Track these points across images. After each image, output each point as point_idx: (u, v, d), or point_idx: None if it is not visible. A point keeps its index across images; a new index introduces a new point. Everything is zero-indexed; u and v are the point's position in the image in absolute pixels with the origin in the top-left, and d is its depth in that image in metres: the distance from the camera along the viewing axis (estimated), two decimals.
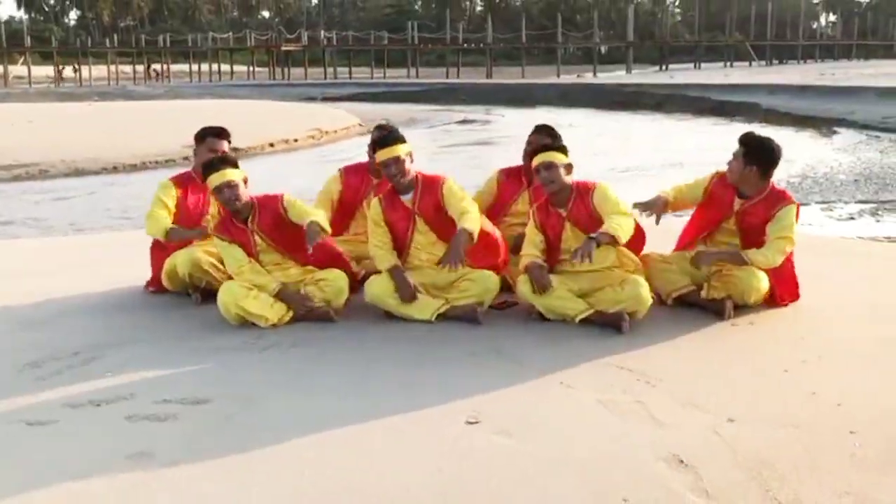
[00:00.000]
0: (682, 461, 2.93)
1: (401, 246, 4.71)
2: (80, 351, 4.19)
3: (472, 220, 4.51)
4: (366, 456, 3.00)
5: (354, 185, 5.32)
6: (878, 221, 10.04)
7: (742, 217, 4.65)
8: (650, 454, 2.98)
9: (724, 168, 4.78)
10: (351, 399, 3.52)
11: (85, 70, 56.83)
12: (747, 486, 2.78)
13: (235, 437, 3.17)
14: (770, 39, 60.85)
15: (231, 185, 4.56)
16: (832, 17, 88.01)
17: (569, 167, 4.56)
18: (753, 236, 4.62)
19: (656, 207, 4.71)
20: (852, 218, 10.20)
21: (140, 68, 60.51)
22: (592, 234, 4.29)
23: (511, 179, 5.27)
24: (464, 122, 27.30)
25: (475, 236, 4.47)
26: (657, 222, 4.76)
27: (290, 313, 4.53)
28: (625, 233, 4.30)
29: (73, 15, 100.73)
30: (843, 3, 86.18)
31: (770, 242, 4.55)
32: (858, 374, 3.76)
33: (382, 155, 4.63)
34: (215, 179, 4.56)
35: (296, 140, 19.58)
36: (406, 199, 4.70)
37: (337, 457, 3.00)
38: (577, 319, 4.42)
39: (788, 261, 4.69)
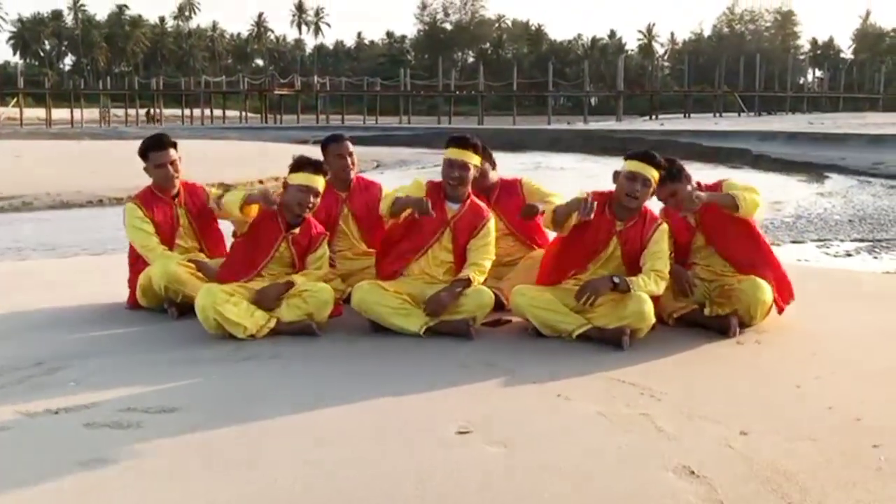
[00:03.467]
0: (692, 472, 2.67)
1: (418, 246, 4.47)
2: (43, 361, 3.91)
3: (479, 272, 4.39)
4: (345, 465, 2.72)
5: (324, 205, 4.97)
6: (875, 258, 9.87)
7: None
8: (658, 464, 2.72)
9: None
10: (332, 407, 3.26)
11: (77, 113, 56.90)
12: (767, 497, 2.52)
13: (201, 445, 2.89)
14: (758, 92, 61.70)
15: (318, 194, 4.40)
16: (819, 73, 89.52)
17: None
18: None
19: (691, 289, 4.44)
20: (849, 255, 10.03)
21: (132, 112, 60.58)
22: (616, 278, 4.10)
23: None
24: None
25: (473, 286, 4.34)
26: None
27: (270, 324, 4.27)
28: (648, 291, 4.12)
29: (69, 60, 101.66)
30: (829, 59, 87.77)
31: (741, 193, 4.29)
32: (876, 391, 3.53)
33: (456, 154, 4.42)
34: (309, 180, 4.36)
35: (286, 178, 19.38)
36: (451, 207, 4.48)
37: (314, 465, 2.72)
38: (575, 335, 4.17)
39: (778, 264, 4.52)
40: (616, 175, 4.30)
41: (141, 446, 2.88)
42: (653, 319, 4.16)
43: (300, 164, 4.43)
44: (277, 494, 2.52)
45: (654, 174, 4.24)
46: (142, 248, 4.81)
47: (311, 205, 4.39)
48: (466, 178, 4.45)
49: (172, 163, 4.88)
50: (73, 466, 2.70)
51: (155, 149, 4.87)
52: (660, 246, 4.23)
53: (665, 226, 4.34)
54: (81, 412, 3.22)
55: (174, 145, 4.96)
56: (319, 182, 4.40)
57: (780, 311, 4.48)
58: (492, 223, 4.52)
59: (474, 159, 4.48)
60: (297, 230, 4.45)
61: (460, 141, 4.49)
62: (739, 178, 4.75)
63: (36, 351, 4.08)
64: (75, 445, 2.88)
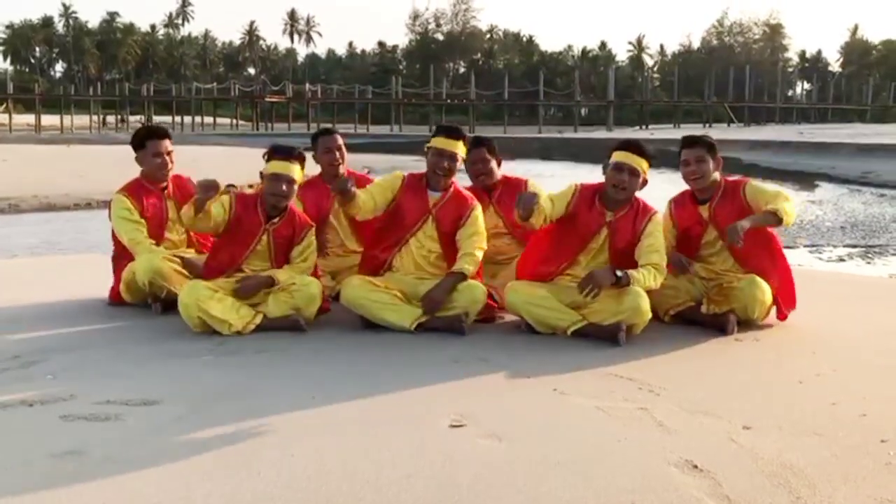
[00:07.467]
0: (695, 466, 2.56)
1: (400, 235, 4.35)
2: (20, 355, 3.78)
3: (472, 263, 4.26)
4: (331, 457, 2.60)
5: (313, 199, 4.91)
6: (868, 263, 9.83)
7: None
8: (659, 458, 2.61)
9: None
10: (318, 400, 3.14)
11: (67, 119, 56.61)
12: (774, 492, 2.41)
13: (182, 438, 2.77)
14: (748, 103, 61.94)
15: (291, 182, 4.24)
16: (807, 86, 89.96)
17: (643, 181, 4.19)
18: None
19: (688, 268, 4.35)
20: (842, 260, 9.99)
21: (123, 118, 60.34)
22: (619, 272, 3.94)
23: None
24: None
25: (467, 280, 4.22)
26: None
27: (256, 320, 4.14)
28: (646, 287, 3.99)
29: (60, 67, 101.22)
30: (817, 72, 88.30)
31: (772, 202, 4.14)
32: (879, 388, 3.43)
33: (447, 144, 4.30)
34: (280, 167, 4.21)
35: (262, 170, 19.21)
36: (433, 195, 4.37)
37: (299, 457, 2.60)
38: (570, 332, 4.07)
39: (786, 266, 4.39)
40: (605, 166, 4.21)
41: (120, 439, 2.75)
42: (649, 314, 4.06)
43: (271, 153, 4.30)
44: (260, 487, 2.39)
45: (642, 164, 4.14)
46: (129, 242, 4.68)
47: (283, 193, 4.23)
48: (454, 170, 4.34)
49: (169, 153, 4.83)
50: (46, 459, 2.57)
51: (154, 137, 4.82)
52: (655, 238, 4.12)
53: (659, 216, 4.23)
54: (58, 404, 3.09)
55: (170, 137, 4.92)
56: (292, 169, 4.24)
57: (783, 317, 4.37)
58: (478, 211, 4.38)
59: (462, 151, 4.38)
60: (277, 221, 4.31)
61: (451, 131, 4.39)
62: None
63: (13, 345, 3.94)
64: (50, 438, 2.75)
